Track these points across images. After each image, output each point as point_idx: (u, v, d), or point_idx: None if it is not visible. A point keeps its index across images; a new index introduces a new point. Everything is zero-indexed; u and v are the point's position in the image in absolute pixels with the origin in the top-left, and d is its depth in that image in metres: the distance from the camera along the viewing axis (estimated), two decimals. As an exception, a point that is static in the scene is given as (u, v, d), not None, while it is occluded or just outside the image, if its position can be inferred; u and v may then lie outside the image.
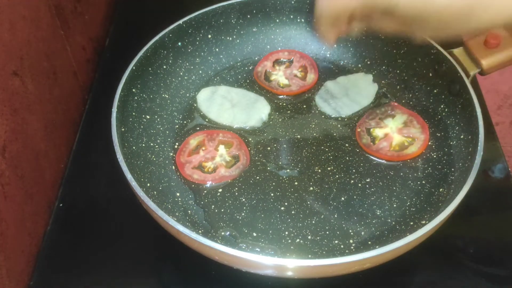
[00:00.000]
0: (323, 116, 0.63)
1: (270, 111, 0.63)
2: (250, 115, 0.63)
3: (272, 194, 0.55)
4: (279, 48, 0.70)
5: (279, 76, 0.67)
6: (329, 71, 0.68)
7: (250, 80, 0.67)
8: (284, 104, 0.65)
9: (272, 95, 0.66)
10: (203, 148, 0.59)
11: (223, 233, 0.52)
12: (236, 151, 0.58)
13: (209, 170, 0.57)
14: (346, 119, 0.62)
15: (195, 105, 0.64)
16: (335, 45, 0.49)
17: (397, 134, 0.60)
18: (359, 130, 0.60)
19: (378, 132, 0.60)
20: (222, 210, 0.54)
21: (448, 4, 0.39)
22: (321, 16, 0.47)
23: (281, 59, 0.69)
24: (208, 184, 0.56)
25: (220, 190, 0.56)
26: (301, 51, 0.70)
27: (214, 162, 0.58)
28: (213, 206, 0.54)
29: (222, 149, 0.59)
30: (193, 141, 0.59)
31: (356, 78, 0.66)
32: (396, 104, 0.63)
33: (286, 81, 0.67)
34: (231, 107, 0.63)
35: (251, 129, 0.62)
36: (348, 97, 0.64)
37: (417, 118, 0.60)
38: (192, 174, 0.56)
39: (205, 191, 0.56)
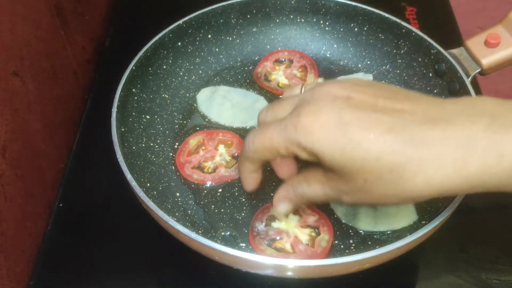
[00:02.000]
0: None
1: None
2: (250, 115, 0.63)
3: (272, 194, 0.55)
4: (279, 48, 0.70)
5: (279, 76, 0.67)
6: (329, 71, 0.68)
7: (250, 80, 0.67)
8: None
9: (272, 95, 0.66)
10: (203, 148, 0.59)
11: (223, 233, 0.52)
12: (236, 150, 0.58)
13: (209, 170, 0.57)
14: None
15: (195, 105, 0.64)
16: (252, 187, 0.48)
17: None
18: None
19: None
20: (222, 210, 0.54)
21: (378, 156, 0.35)
22: (251, 155, 0.44)
23: (281, 58, 0.69)
24: (208, 184, 0.56)
25: (220, 190, 0.56)
26: (301, 51, 0.70)
27: (214, 162, 0.58)
28: (213, 206, 0.54)
29: (222, 148, 0.59)
30: (192, 141, 0.59)
31: (356, 78, 0.66)
32: None
33: (286, 81, 0.67)
34: (231, 107, 0.63)
35: (251, 129, 0.62)
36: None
37: None
38: (192, 174, 0.56)
39: (205, 191, 0.56)
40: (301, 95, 0.42)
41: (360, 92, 0.38)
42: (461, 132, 0.34)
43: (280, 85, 0.66)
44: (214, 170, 0.57)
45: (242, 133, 0.61)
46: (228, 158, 0.58)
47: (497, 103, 0.35)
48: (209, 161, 0.58)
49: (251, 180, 0.48)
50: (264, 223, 0.52)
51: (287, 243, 0.50)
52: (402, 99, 0.38)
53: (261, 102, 0.64)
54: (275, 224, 0.52)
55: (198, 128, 0.62)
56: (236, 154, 0.58)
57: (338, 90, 0.38)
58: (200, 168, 0.57)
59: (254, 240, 0.50)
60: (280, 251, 0.50)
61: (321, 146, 0.37)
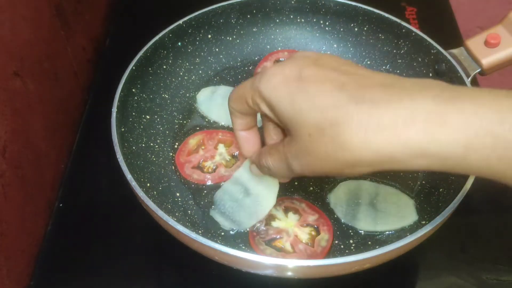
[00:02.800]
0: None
1: None
2: None
3: (272, 194, 0.55)
4: (279, 48, 0.70)
5: None
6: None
7: (250, 80, 0.67)
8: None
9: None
10: (203, 148, 0.59)
11: (223, 233, 0.52)
12: (236, 150, 0.58)
13: (209, 169, 0.57)
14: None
15: (195, 105, 0.64)
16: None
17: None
18: None
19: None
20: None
21: (324, 108, 0.35)
22: (231, 104, 0.45)
23: (281, 58, 0.69)
24: (208, 183, 0.56)
25: (220, 190, 0.56)
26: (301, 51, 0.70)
27: (213, 162, 0.58)
28: (213, 206, 0.54)
29: (221, 148, 0.59)
30: (192, 141, 0.59)
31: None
32: None
33: None
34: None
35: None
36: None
37: None
38: (192, 174, 0.56)
39: (205, 191, 0.56)
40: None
41: (330, 58, 0.39)
42: (407, 97, 0.33)
43: None
44: (214, 169, 0.57)
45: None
46: (228, 157, 0.58)
47: (454, 85, 0.35)
48: (209, 161, 0.58)
49: (244, 141, 0.48)
50: (263, 223, 0.52)
51: (287, 242, 0.50)
52: (365, 69, 0.38)
53: None
54: (275, 223, 0.52)
55: (198, 128, 0.62)
56: (236, 154, 0.58)
57: (312, 54, 0.40)
58: (199, 168, 0.57)
59: (254, 239, 0.50)
60: (280, 250, 0.50)
61: (276, 95, 0.38)
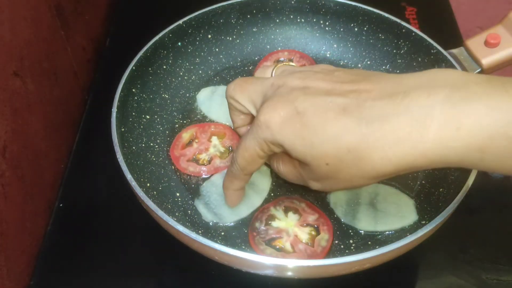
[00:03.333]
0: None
1: None
2: None
3: (272, 194, 0.55)
4: (279, 48, 0.70)
5: None
6: (329, 71, 0.68)
7: (250, 80, 0.67)
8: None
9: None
10: (196, 140, 0.59)
11: (223, 233, 0.52)
12: (229, 141, 0.59)
13: (204, 162, 0.57)
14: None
15: (195, 104, 0.64)
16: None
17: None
18: None
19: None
20: (222, 210, 0.54)
21: (335, 137, 0.35)
22: (236, 177, 0.46)
23: (281, 58, 0.69)
24: (204, 175, 0.56)
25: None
26: (301, 51, 0.70)
27: (208, 154, 0.58)
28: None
29: (215, 140, 0.59)
30: (185, 135, 0.60)
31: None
32: None
33: None
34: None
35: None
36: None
37: None
38: (188, 167, 0.57)
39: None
40: (268, 83, 0.42)
41: (319, 80, 0.38)
42: (417, 105, 0.32)
43: None
44: (209, 161, 0.57)
45: (242, 133, 0.61)
46: (222, 149, 0.58)
47: (459, 75, 0.34)
48: (204, 153, 0.58)
49: (236, 197, 0.50)
50: (263, 223, 0.52)
51: (287, 242, 0.50)
52: (361, 80, 0.37)
53: None
54: (275, 223, 0.52)
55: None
56: (230, 148, 0.58)
57: (297, 81, 0.39)
58: (195, 160, 0.57)
59: (254, 240, 0.50)
60: (280, 250, 0.50)
61: (282, 138, 0.38)
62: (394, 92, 0.34)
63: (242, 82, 0.45)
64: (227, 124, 0.62)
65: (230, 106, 0.47)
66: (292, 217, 0.53)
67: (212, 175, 0.56)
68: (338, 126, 0.35)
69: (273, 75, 0.46)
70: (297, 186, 0.55)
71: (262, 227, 0.51)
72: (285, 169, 0.44)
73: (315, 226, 0.52)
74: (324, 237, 0.51)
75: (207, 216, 0.52)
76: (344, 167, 0.36)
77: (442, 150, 0.32)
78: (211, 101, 0.64)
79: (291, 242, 0.50)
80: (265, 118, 0.39)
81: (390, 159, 0.33)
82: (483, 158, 0.31)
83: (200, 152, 0.58)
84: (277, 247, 0.50)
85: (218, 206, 0.53)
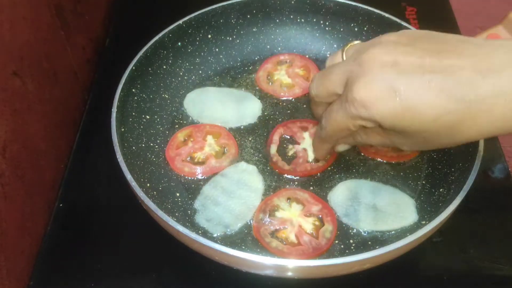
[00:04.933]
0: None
1: (261, 105, 0.64)
2: (243, 113, 0.63)
3: (268, 193, 0.55)
4: (279, 48, 0.70)
5: (282, 76, 0.67)
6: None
7: (250, 80, 0.67)
8: (285, 104, 0.65)
9: (272, 98, 0.65)
10: (192, 140, 0.59)
11: (223, 233, 0.52)
12: (224, 141, 0.59)
13: (199, 160, 0.57)
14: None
15: (186, 113, 0.63)
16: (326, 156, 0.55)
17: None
18: None
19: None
20: (222, 210, 0.54)
21: (435, 118, 0.38)
22: (329, 139, 0.48)
23: (281, 57, 0.69)
24: (200, 176, 0.56)
25: (220, 190, 0.56)
26: (301, 51, 0.70)
27: (203, 152, 0.58)
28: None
29: (210, 139, 0.59)
30: (180, 135, 0.60)
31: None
32: None
33: (289, 80, 0.66)
34: (222, 108, 0.63)
35: (248, 126, 0.61)
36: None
37: None
38: (183, 167, 0.56)
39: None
40: (346, 64, 0.43)
41: (406, 54, 0.39)
42: (510, 86, 0.36)
43: (283, 85, 0.66)
44: (205, 161, 0.57)
45: (238, 133, 0.61)
46: (217, 148, 0.58)
47: None
48: (199, 152, 0.58)
49: (326, 153, 0.53)
50: (268, 214, 0.52)
51: (291, 233, 0.51)
52: (449, 51, 0.38)
53: (250, 98, 0.64)
54: (279, 214, 0.52)
55: (198, 128, 0.62)
56: (225, 149, 0.58)
57: (383, 56, 0.40)
58: (190, 160, 0.57)
59: (259, 232, 0.51)
60: (285, 242, 0.50)
61: (381, 117, 0.39)
62: (486, 69, 0.36)
63: (321, 76, 0.46)
64: (222, 125, 0.61)
65: (315, 103, 0.48)
66: (296, 207, 0.53)
67: (204, 183, 0.56)
68: (439, 107, 0.37)
69: (344, 58, 0.46)
70: (297, 185, 0.55)
71: (266, 218, 0.52)
72: (370, 138, 0.46)
73: (319, 216, 0.52)
74: (328, 229, 0.51)
75: (214, 229, 0.52)
76: (439, 138, 0.40)
77: None
78: (201, 105, 0.63)
79: (296, 233, 0.51)
80: (360, 97, 0.39)
81: (483, 133, 0.38)
82: None
83: (195, 150, 0.58)
84: (282, 239, 0.50)
85: (220, 217, 0.53)
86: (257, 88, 0.66)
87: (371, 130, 0.45)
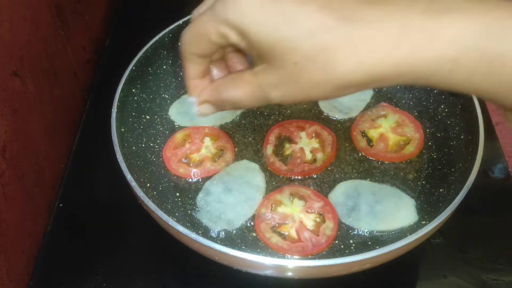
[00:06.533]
0: (323, 116, 0.63)
1: None
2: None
3: (270, 189, 0.55)
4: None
5: None
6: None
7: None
8: (288, 105, 0.65)
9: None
10: (189, 141, 0.59)
11: (223, 233, 0.52)
12: (222, 143, 0.59)
13: (195, 161, 0.57)
14: (346, 119, 0.62)
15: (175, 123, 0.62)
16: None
17: (392, 133, 0.60)
18: (354, 133, 0.60)
19: (373, 133, 0.60)
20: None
21: (310, 33, 0.32)
22: (185, 52, 0.39)
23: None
24: (194, 179, 0.56)
25: (220, 190, 0.56)
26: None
27: (199, 154, 0.58)
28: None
29: (207, 141, 0.59)
30: (179, 135, 0.60)
31: None
32: (386, 104, 0.63)
33: None
34: None
35: (249, 126, 0.61)
36: (349, 96, 0.64)
37: (408, 117, 0.61)
38: (178, 168, 0.57)
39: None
40: None
41: None
42: (397, 14, 0.31)
43: None
44: (200, 163, 0.57)
45: (239, 131, 0.61)
46: (214, 150, 0.58)
47: None
48: (195, 153, 0.58)
49: (196, 87, 0.41)
50: (270, 209, 0.52)
51: (292, 228, 0.51)
52: None
53: None
54: (281, 209, 0.53)
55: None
56: (222, 150, 0.59)
57: None
58: (186, 161, 0.58)
59: (260, 226, 0.51)
60: (285, 238, 0.50)
61: (251, 21, 0.33)
62: None
63: (193, 22, 0.37)
64: (211, 125, 0.61)
65: (185, 54, 0.39)
66: (298, 203, 0.53)
67: (204, 183, 0.56)
68: (317, 22, 0.32)
69: None
70: (291, 179, 0.56)
71: (268, 213, 0.52)
72: (239, 91, 0.38)
73: (320, 213, 0.52)
74: (329, 226, 0.51)
75: (215, 226, 0.52)
76: (312, 68, 0.33)
77: (414, 61, 0.31)
78: (187, 112, 0.63)
79: (297, 228, 0.51)
80: None
81: (362, 66, 0.32)
82: (452, 72, 0.31)
83: (192, 152, 0.58)
84: (283, 234, 0.51)
85: (222, 212, 0.53)
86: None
87: (236, 76, 0.38)
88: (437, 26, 0.31)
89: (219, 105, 0.40)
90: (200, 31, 0.36)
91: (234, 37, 0.35)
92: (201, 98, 0.41)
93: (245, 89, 0.38)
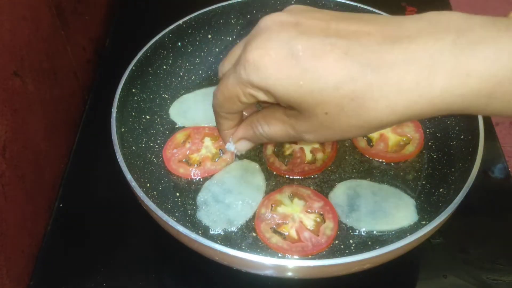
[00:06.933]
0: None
1: None
2: None
3: (270, 188, 0.55)
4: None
5: None
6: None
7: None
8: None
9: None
10: (189, 141, 0.59)
11: (223, 233, 0.52)
12: (223, 143, 0.59)
13: (195, 162, 0.57)
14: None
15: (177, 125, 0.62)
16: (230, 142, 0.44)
17: (392, 133, 0.60)
18: None
19: (373, 133, 0.60)
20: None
21: (337, 86, 0.32)
22: (219, 109, 0.41)
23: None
24: (194, 178, 0.56)
25: (220, 190, 0.56)
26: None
27: (199, 154, 0.58)
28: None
29: (207, 141, 0.59)
30: (179, 135, 0.60)
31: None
32: None
33: None
34: (209, 108, 0.62)
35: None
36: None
37: None
38: (178, 168, 0.57)
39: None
40: (243, 40, 0.38)
41: (310, 18, 0.34)
42: (424, 51, 0.31)
43: None
44: (200, 163, 0.57)
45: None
46: (213, 150, 0.58)
47: (464, 18, 0.32)
48: (195, 153, 0.58)
49: (226, 135, 0.44)
50: (270, 209, 0.53)
51: (292, 228, 0.51)
52: (357, 20, 0.34)
53: None
54: (281, 209, 0.53)
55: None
56: (221, 151, 0.58)
57: (285, 17, 0.35)
58: (186, 161, 0.58)
59: (260, 226, 0.51)
60: (285, 238, 0.50)
61: (274, 82, 0.34)
62: (397, 36, 0.32)
63: (221, 86, 0.39)
64: (211, 124, 0.61)
65: (221, 116, 0.42)
66: (298, 203, 0.53)
67: (204, 183, 0.56)
68: (342, 72, 0.32)
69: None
70: (291, 179, 0.55)
71: (268, 213, 0.52)
72: (272, 128, 0.39)
73: (320, 213, 0.52)
74: (329, 226, 0.51)
75: (215, 226, 0.52)
76: (344, 116, 0.33)
77: (450, 98, 0.31)
78: (187, 112, 0.63)
79: (297, 228, 0.51)
80: (253, 57, 0.34)
81: (395, 109, 0.32)
82: (489, 103, 0.31)
83: (192, 152, 0.58)
84: (283, 234, 0.51)
85: (222, 213, 0.53)
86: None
87: (268, 114, 0.39)
88: (468, 61, 0.30)
89: (255, 140, 0.42)
90: (230, 95, 0.37)
91: (262, 96, 0.36)
92: (236, 136, 0.43)
93: (278, 127, 0.39)
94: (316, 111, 0.34)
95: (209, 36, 0.67)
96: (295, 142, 0.58)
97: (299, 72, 0.33)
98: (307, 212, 0.52)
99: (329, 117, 0.34)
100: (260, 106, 0.43)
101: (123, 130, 0.54)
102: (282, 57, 0.33)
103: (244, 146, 0.43)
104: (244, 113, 0.43)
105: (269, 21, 0.35)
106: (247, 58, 0.34)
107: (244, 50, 0.35)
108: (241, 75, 0.35)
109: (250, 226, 0.52)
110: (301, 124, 0.36)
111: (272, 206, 0.53)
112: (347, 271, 0.44)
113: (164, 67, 0.64)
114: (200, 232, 0.52)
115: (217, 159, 0.58)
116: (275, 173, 0.57)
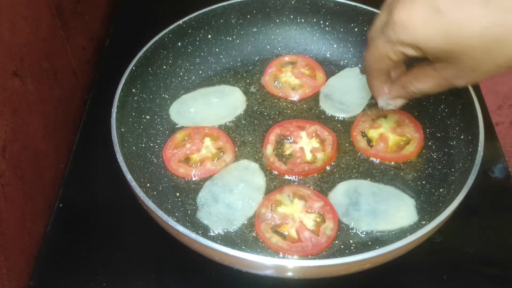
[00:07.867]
0: (323, 116, 0.63)
1: (240, 90, 0.64)
2: (232, 104, 0.63)
3: (270, 188, 0.55)
4: (279, 48, 0.70)
5: (288, 77, 0.67)
6: (329, 72, 0.68)
7: (250, 80, 0.67)
8: (285, 103, 0.65)
9: (285, 101, 0.65)
10: (189, 141, 0.59)
11: (223, 233, 0.52)
12: (222, 144, 0.59)
13: (196, 162, 0.57)
14: (346, 119, 0.62)
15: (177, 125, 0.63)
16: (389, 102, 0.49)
17: (392, 133, 0.60)
18: (354, 134, 0.60)
19: (373, 133, 0.60)
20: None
21: (482, 32, 0.36)
22: (370, 70, 0.46)
23: (286, 58, 0.69)
24: (194, 178, 0.56)
25: (220, 190, 0.56)
26: (301, 51, 0.70)
27: (200, 154, 0.58)
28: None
29: (208, 141, 0.59)
30: (179, 135, 0.60)
31: (347, 75, 0.66)
32: None
33: (297, 81, 0.66)
34: (209, 107, 0.63)
35: (249, 124, 0.61)
36: (349, 95, 0.64)
37: (408, 117, 0.61)
38: (178, 168, 0.57)
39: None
40: (385, 6, 0.42)
41: None
42: None
43: (292, 87, 0.66)
44: (200, 163, 0.57)
45: (239, 131, 0.61)
46: (214, 150, 0.58)
47: None
48: (195, 153, 0.58)
49: (378, 90, 0.48)
50: (270, 209, 0.53)
51: (292, 228, 0.51)
52: None
53: (228, 90, 0.65)
54: (281, 209, 0.53)
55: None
56: (222, 153, 0.58)
57: None
58: (186, 161, 0.58)
59: (260, 226, 0.51)
60: (285, 238, 0.50)
61: (423, 37, 0.37)
62: None
63: (369, 49, 0.43)
64: (211, 125, 0.61)
65: (372, 74, 0.46)
66: (298, 203, 0.53)
67: (204, 183, 0.56)
68: (486, 20, 0.35)
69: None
70: (291, 179, 0.56)
71: (268, 213, 0.52)
72: (425, 84, 0.44)
73: (320, 213, 0.52)
74: (329, 226, 0.51)
75: (215, 226, 0.52)
76: (490, 59, 0.37)
77: None
78: (188, 112, 0.63)
79: (297, 228, 0.51)
80: (400, 18, 0.38)
81: None
82: None
83: (192, 152, 0.58)
84: (283, 234, 0.51)
85: (222, 213, 0.53)
86: (265, 91, 0.66)
87: (418, 70, 0.43)
88: None
89: (409, 97, 0.47)
90: (380, 53, 0.42)
91: (411, 52, 0.40)
92: (391, 95, 0.48)
93: (430, 82, 0.43)
94: (464, 58, 0.37)
95: (209, 36, 0.67)
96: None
97: (445, 25, 0.36)
98: (307, 212, 0.52)
99: (477, 61, 0.37)
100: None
101: (123, 130, 0.54)
102: (427, 14, 0.36)
103: (400, 102, 0.49)
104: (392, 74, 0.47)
105: None
106: (394, 20, 0.38)
107: (390, 13, 0.39)
108: (391, 36, 0.39)
109: (250, 226, 0.52)
110: (451, 72, 0.40)
111: (272, 206, 0.53)
112: (347, 271, 0.45)
113: (164, 67, 0.64)
114: (200, 232, 0.52)
115: (217, 159, 0.58)
116: (275, 173, 0.57)
